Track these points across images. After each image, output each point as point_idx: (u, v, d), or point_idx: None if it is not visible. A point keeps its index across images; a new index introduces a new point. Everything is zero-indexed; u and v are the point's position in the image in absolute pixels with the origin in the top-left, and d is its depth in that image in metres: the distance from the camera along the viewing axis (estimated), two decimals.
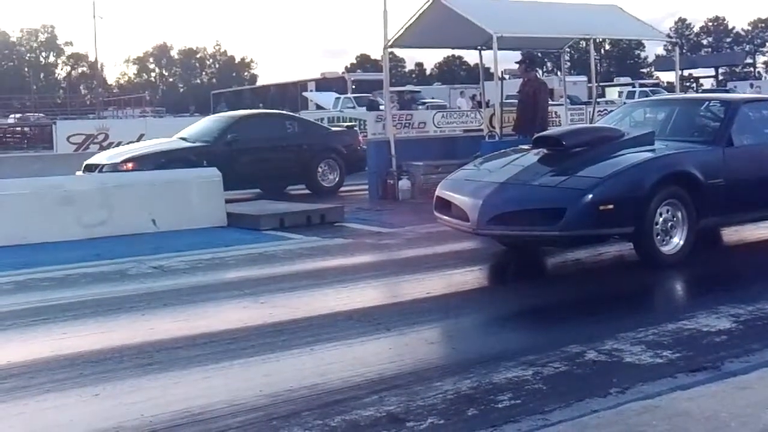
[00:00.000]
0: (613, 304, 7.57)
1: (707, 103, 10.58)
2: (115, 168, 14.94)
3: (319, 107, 45.06)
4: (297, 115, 21.13)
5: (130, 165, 15.06)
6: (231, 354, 6.03)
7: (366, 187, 16.74)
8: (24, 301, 7.99)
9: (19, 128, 49.47)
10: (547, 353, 5.74)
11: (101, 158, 16.12)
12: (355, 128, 20.54)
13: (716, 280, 8.58)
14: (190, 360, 5.92)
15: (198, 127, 17.46)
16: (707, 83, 61.19)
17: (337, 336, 6.43)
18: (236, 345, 6.25)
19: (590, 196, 8.16)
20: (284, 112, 23.13)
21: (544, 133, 10.05)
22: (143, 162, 15.15)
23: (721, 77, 63.19)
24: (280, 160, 17.01)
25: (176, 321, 7.13)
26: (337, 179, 17.64)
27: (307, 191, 17.27)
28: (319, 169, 17.47)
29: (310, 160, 17.32)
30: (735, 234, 10.61)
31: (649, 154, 8.99)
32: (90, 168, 15.51)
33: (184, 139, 16.77)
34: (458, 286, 8.38)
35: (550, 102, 17.10)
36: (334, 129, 19.79)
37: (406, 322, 6.83)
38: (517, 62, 15.35)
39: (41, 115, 54.51)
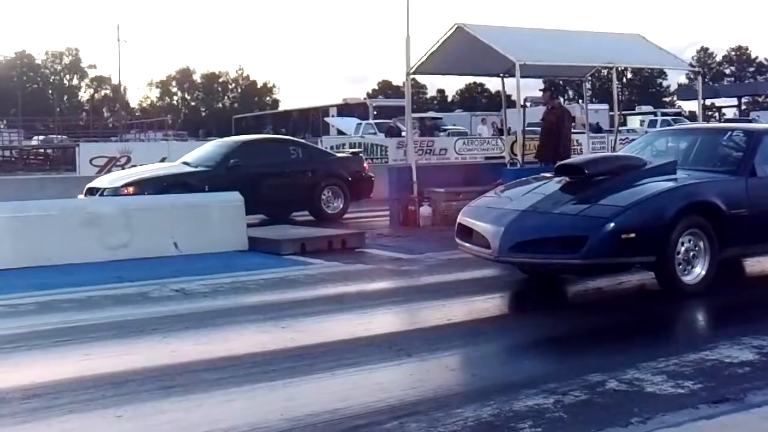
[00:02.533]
0: (633, 333, 7.54)
1: (730, 132, 10.55)
2: (116, 192, 14.82)
3: (340, 133, 45.19)
4: (302, 140, 20.95)
5: (131, 189, 14.95)
6: (253, 377, 6.05)
7: (383, 213, 16.74)
8: (47, 322, 8.04)
9: (42, 150, 49.88)
10: (568, 381, 5.73)
11: (103, 182, 15.97)
12: (361, 155, 20.39)
13: (739, 310, 8.52)
14: (212, 383, 5.94)
15: (201, 152, 17.39)
16: (730, 113, 60.95)
17: (359, 361, 6.44)
18: (258, 369, 6.28)
19: (612, 224, 8.16)
20: (288, 137, 22.93)
21: (566, 161, 10.05)
22: (144, 186, 15.08)
23: (744, 107, 62.89)
24: (284, 185, 16.84)
25: (198, 344, 7.16)
26: (341, 206, 17.41)
27: (310, 217, 17.12)
28: (323, 196, 17.26)
29: (313, 186, 17.14)
30: (758, 265, 10.56)
31: (671, 184, 8.98)
32: (92, 191, 15.39)
33: (186, 163, 16.71)
34: (479, 313, 8.37)
35: (572, 130, 17.10)
36: (339, 155, 19.60)
37: (427, 348, 6.84)
38: (541, 89, 15.42)
39: (64, 137, 54.87)
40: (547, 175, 10.04)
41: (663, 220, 8.40)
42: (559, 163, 10.30)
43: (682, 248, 8.54)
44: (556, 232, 8.48)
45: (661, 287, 8.74)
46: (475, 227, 9.16)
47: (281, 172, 16.91)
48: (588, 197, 8.77)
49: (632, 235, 8.21)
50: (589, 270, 9.07)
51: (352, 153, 20.27)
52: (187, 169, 16.33)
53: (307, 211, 17.32)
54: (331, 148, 25.85)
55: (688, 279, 8.61)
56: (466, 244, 9.38)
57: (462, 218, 9.60)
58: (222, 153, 16.78)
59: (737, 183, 9.23)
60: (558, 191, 9.15)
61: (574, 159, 10.21)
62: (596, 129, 36.62)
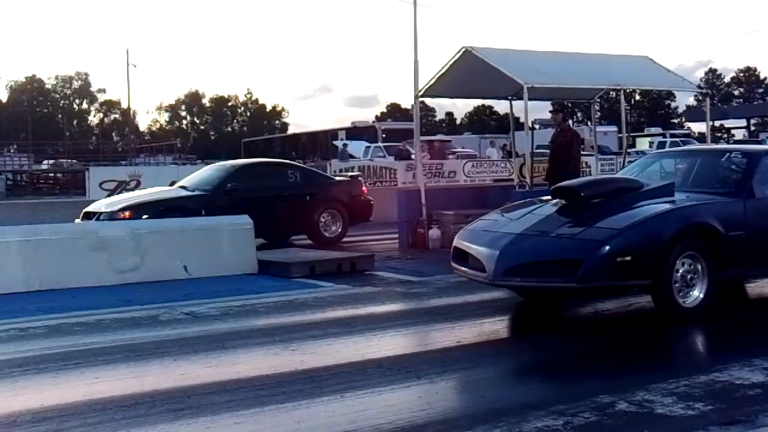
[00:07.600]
0: (643, 354, 7.53)
1: (728, 154, 10.43)
2: (112, 216, 14.79)
3: (349, 156, 45.22)
4: (302, 164, 20.70)
5: (127, 213, 14.88)
6: (262, 400, 6.05)
7: (391, 236, 16.73)
8: (57, 346, 8.06)
9: (52, 174, 50.04)
10: (578, 403, 5.72)
11: (100, 206, 15.91)
12: (360, 178, 20.33)
13: (749, 332, 8.49)
14: (222, 405, 5.94)
15: (198, 176, 17.34)
16: (739, 134, 60.93)
17: (368, 383, 6.44)
18: (267, 391, 6.28)
19: (607, 247, 8.07)
20: (286, 161, 22.66)
21: (562, 183, 9.95)
22: (141, 211, 15.00)
23: (753, 128, 62.87)
24: (281, 209, 16.62)
25: (207, 367, 7.16)
26: (339, 230, 17.20)
27: (308, 241, 16.93)
28: (321, 219, 17.05)
29: (312, 209, 16.94)
30: (767, 286, 10.53)
31: (668, 206, 8.89)
32: (88, 215, 15.38)
33: (183, 187, 16.68)
34: (488, 335, 8.38)
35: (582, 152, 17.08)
36: (337, 178, 19.52)
37: (437, 370, 6.84)
38: (551, 111, 15.40)
39: (74, 161, 55.04)
40: (545, 198, 9.97)
41: (659, 242, 8.31)
42: (554, 185, 10.23)
43: (680, 271, 8.45)
44: (551, 256, 8.40)
45: (658, 311, 8.63)
46: (470, 251, 9.08)
47: (279, 196, 16.71)
48: (583, 220, 8.71)
49: (628, 258, 8.11)
50: (586, 293, 9.02)
51: (351, 176, 20.06)
52: (184, 193, 16.27)
53: (305, 235, 17.14)
54: (340, 171, 25.85)
55: (686, 302, 8.51)
56: (462, 268, 9.30)
57: (458, 242, 9.54)
58: (219, 177, 16.68)
59: (735, 205, 9.15)
60: (554, 214, 9.09)
61: (569, 182, 10.08)
62: (608, 152, 36.57)
